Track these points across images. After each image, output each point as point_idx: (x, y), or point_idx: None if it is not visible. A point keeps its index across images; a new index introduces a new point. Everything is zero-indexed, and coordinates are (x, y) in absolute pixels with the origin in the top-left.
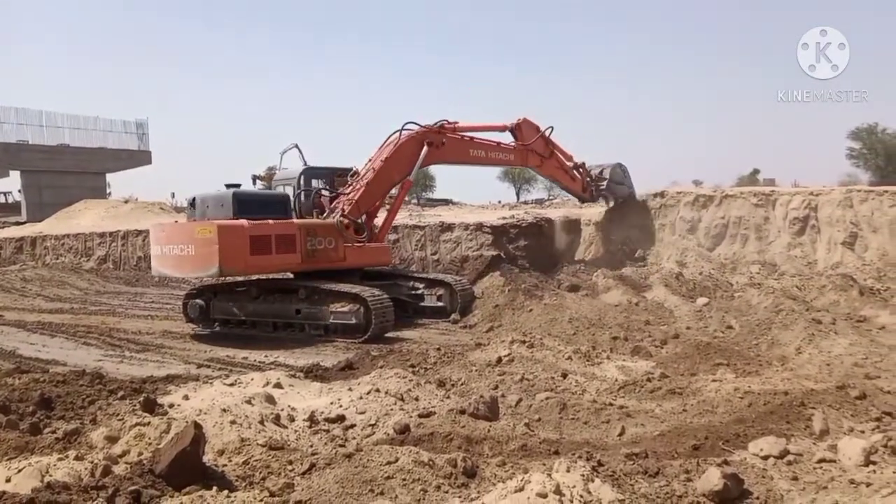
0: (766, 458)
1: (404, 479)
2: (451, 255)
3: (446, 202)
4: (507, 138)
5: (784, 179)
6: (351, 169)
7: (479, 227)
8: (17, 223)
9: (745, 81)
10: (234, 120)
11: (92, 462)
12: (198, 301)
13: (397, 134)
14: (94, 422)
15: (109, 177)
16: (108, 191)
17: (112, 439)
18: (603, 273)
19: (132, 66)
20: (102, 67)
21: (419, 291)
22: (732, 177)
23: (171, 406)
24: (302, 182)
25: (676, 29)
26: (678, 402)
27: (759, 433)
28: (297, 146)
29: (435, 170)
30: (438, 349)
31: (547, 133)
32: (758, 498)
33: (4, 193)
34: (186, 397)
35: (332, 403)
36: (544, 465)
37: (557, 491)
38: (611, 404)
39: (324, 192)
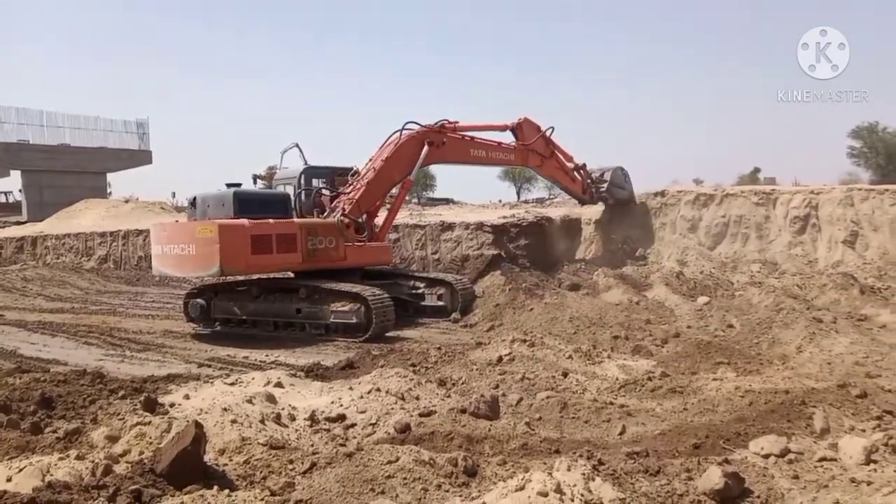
0: (766, 456)
1: (405, 479)
2: (452, 255)
3: (447, 201)
4: (507, 138)
5: (785, 178)
6: (351, 168)
7: (480, 226)
8: (18, 223)
9: (745, 81)
10: (234, 120)
11: (93, 461)
12: (198, 300)
13: (398, 133)
14: (94, 421)
15: (110, 176)
16: (108, 190)
17: (113, 439)
18: (603, 272)
19: (132, 66)
20: (102, 67)
21: (420, 291)
22: (733, 176)
23: (172, 405)
24: (302, 181)
25: (676, 29)
26: (679, 400)
27: (760, 432)
28: (297, 145)
29: (435, 169)
30: (439, 348)
31: (548, 133)
32: (758, 496)
33: (5, 193)
34: (187, 396)
35: (332, 403)
36: (545, 463)
37: (558, 490)
38: (611, 403)
39: (324, 191)
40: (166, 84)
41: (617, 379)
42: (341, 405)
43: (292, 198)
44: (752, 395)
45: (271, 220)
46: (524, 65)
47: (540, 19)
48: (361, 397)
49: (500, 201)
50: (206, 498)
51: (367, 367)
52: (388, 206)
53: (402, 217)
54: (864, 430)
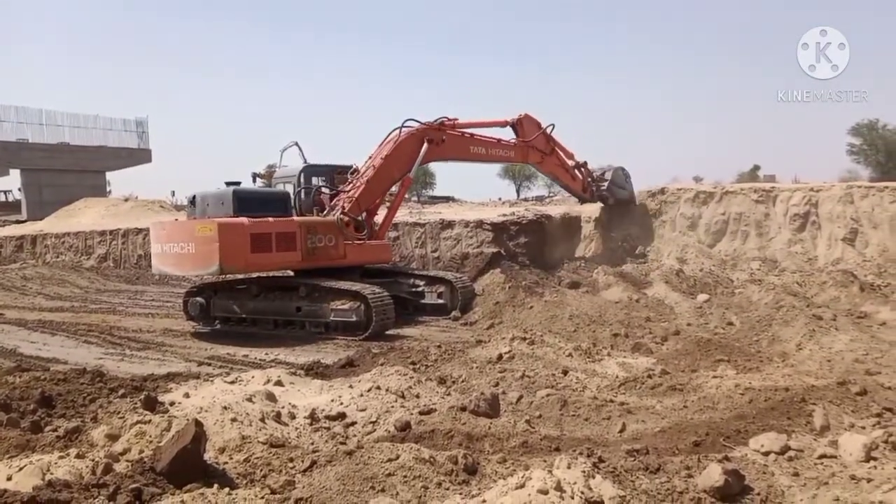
0: (766, 454)
1: (405, 476)
2: (452, 253)
3: (447, 199)
4: (507, 134)
5: (784, 176)
6: (351, 166)
7: (480, 224)
8: (18, 222)
9: (745, 81)
10: (234, 119)
11: (93, 460)
12: (198, 299)
13: (397, 131)
14: (94, 420)
15: (109, 175)
16: (108, 189)
17: (113, 437)
18: (603, 270)
19: (132, 66)
20: (102, 67)
21: (420, 289)
22: (732, 174)
23: (172, 404)
24: (302, 180)
25: (676, 29)
26: (679, 398)
27: (760, 429)
28: (297, 144)
29: (435, 167)
30: (439, 346)
31: (548, 130)
32: (758, 494)
33: (5, 192)
34: (187, 395)
35: (332, 401)
36: (545, 461)
37: (558, 487)
38: (611, 401)
39: (324, 189)
40: (166, 83)
41: (617, 377)
42: (341, 403)
43: (292, 196)
44: (752, 393)
45: (271, 219)
46: (524, 65)
47: (540, 19)
48: (361, 395)
49: (499, 199)
50: (206, 496)
51: (367, 365)
52: (388, 204)
53: (402, 215)
54: (863, 428)
